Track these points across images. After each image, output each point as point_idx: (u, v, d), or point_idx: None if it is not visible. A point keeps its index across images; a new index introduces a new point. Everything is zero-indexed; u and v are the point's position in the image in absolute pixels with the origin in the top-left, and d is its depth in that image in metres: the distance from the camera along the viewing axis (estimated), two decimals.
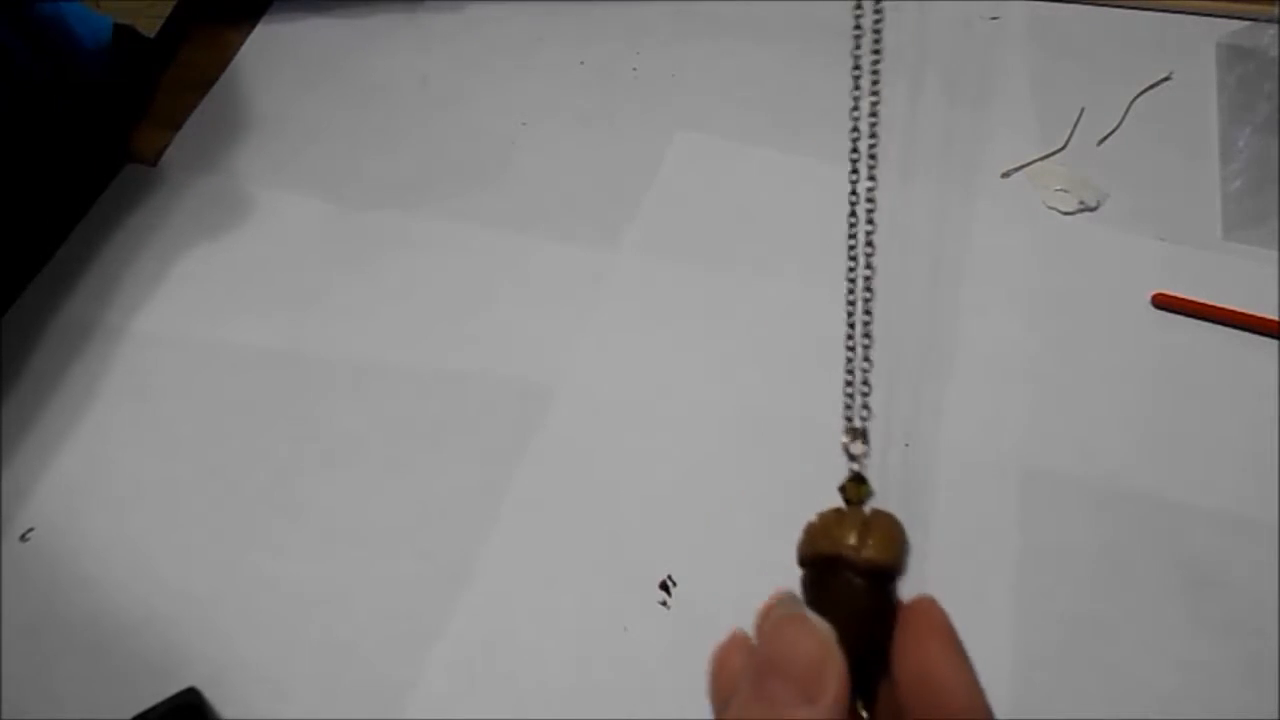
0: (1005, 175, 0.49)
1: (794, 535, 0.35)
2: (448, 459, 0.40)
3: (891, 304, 0.44)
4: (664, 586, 0.37)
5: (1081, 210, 0.47)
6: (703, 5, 0.56)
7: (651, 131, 0.50)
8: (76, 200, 0.48)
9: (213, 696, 0.34)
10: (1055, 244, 0.46)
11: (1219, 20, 0.55)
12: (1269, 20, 0.52)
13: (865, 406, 0.23)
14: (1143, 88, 0.52)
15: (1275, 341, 0.42)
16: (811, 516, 0.23)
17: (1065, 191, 0.48)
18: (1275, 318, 0.42)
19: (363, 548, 0.38)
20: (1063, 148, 0.50)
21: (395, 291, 0.45)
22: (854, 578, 0.21)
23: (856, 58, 0.19)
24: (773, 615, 0.20)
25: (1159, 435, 0.40)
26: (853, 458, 0.23)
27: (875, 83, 0.20)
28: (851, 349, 0.23)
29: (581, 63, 0.54)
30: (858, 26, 0.19)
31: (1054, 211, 0.47)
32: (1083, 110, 0.51)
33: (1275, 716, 0.33)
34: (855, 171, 0.21)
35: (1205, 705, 0.34)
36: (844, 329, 0.23)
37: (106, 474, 0.39)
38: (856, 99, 0.20)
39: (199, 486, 0.39)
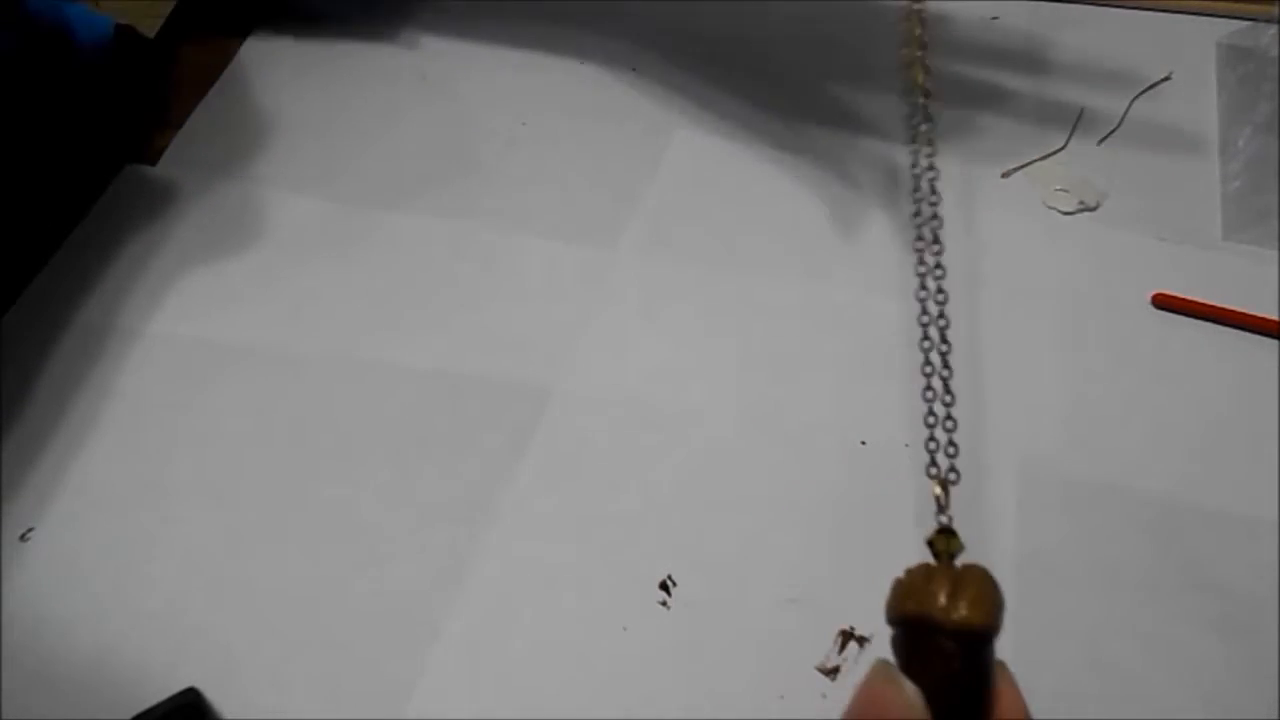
0: (1005, 175, 0.49)
1: (795, 535, 0.35)
2: (448, 459, 0.40)
3: (889, 303, 0.44)
4: (664, 586, 0.37)
5: (1081, 210, 0.47)
6: (704, 5, 0.56)
7: (651, 131, 0.50)
8: (76, 201, 0.48)
9: (213, 696, 0.34)
10: (1055, 244, 0.46)
11: (1219, 20, 0.55)
12: (1269, 20, 0.52)
13: (952, 443, 0.22)
14: (1143, 88, 0.52)
15: (1275, 341, 0.42)
16: (900, 573, 0.21)
17: (1065, 191, 0.48)
18: (1275, 318, 0.42)
19: (363, 548, 0.38)
20: (1063, 148, 0.50)
21: (396, 291, 0.45)
22: (945, 640, 0.20)
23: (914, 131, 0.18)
24: (866, 676, 0.20)
25: (1159, 435, 0.40)
26: (941, 509, 0.23)
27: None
28: (931, 400, 0.22)
29: (581, 63, 0.54)
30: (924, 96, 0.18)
31: (1054, 211, 0.47)
32: (1083, 110, 0.51)
33: (1275, 717, 0.33)
34: (920, 240, 0.21)
35: (1205, 705, 0.34)
36: (919, 379, 0.22)
37: (106, 474, 0.39)
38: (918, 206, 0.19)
39: (199, 486, 0.39)
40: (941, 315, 0.21)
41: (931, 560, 0.22)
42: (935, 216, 0.17)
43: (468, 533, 0.38)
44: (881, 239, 0.46)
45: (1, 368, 0.42)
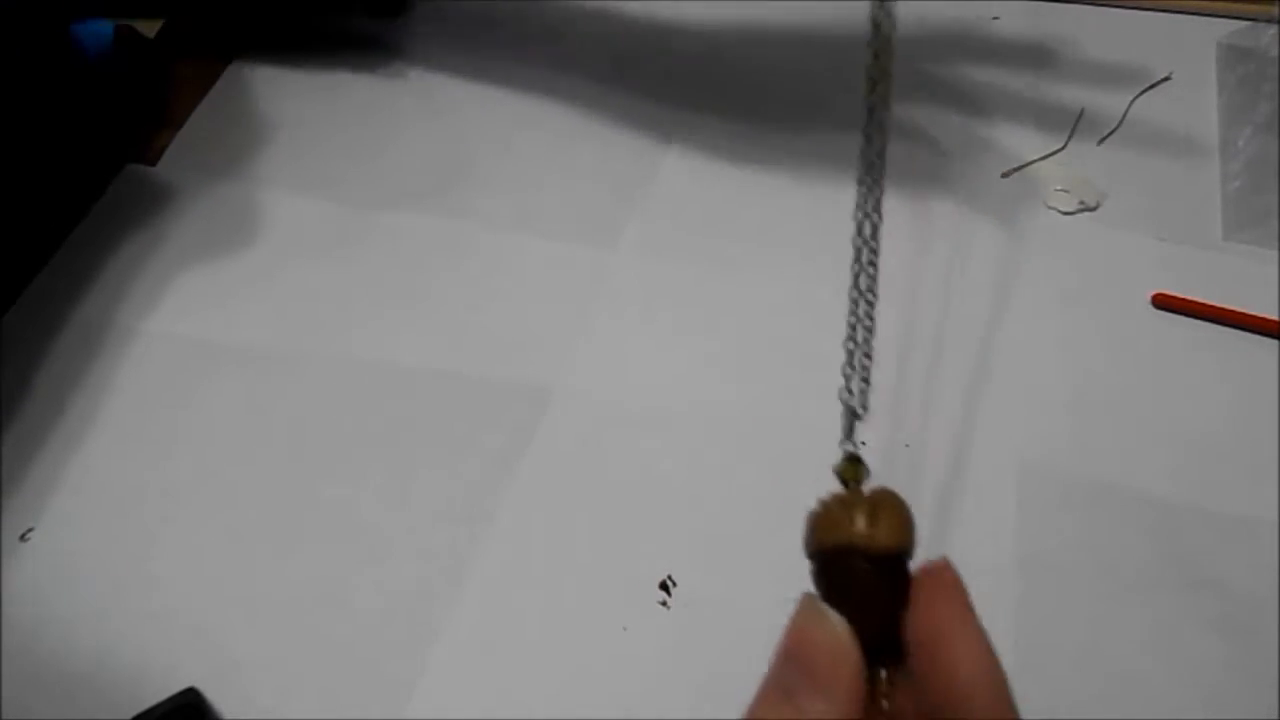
0: (1005, 175, 0.49)
1: (795, 535, 0.35)
2: (448, 459, 0.40)
3: (890, 304, 0.44)
4: (664, 586, 0.37)
5: (1081, 210, 0.47)
6: (703, 5, 0.56)
7: (651, 131, 0.50)
8: (76, 201, 0.48)
9: (213, 696, 0.34)
10: (1055, 244, 0.46)
11: (1219, 20, 0.55)
12: (1269, 20, 0.52)
13: (866, 368, 0.22)
14: (1143, 88, 0.52)
15: (1275, 341, 0.42)
16: (812, 504, 0.21)
17: (1065, 191, 0.48)
18: (1275, 318, 0.42)
19: (363, 548, 0.38)
20: (1063, 148, 0.50)
21: (395, 291, 0.45)
22: (864, 564, 0.20)
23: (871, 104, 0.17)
24: (794, 616, 0.20)
25: (1159, 435, 0.40)
26: (849, 436, 0.23)
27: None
28: (854, 324, 0.22)
29: (581, 63, 0.54)
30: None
31: (1054, 211, 0.47)
32: (1083, 110, 0.51)
33: (1275, 717, 0.33)
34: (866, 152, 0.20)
35: (1205, 705, 0.34)
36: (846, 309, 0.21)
37: (106, 474, 0.39)
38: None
39: (199, 486, 0.39)
40: (875, 234, 0.21)
41: (840, 489, 0.22)
42: (880, 120, 0.16)
43: (468, 533, 0.38)
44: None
45: (2, 367, 0.42)
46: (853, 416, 0.22)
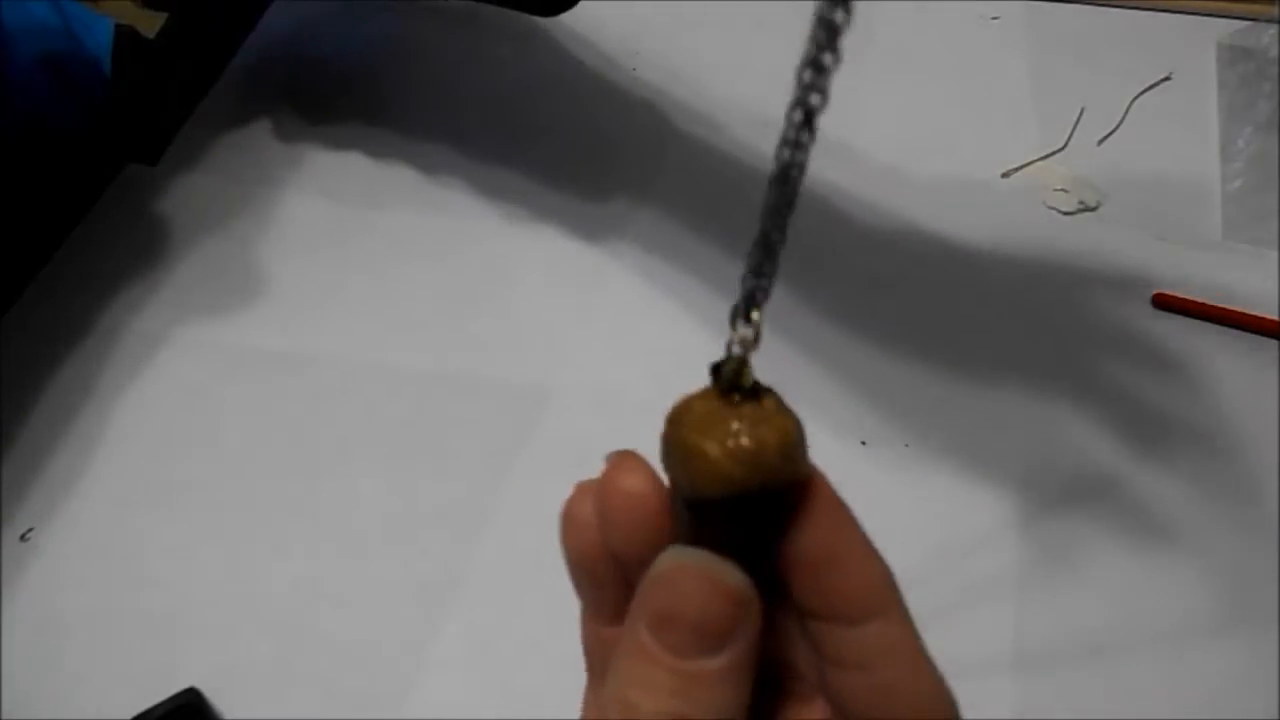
0: (1005, 175, 0.49)
1: None
2: (447, 459, 0.40)
3: (890, 304, 0.44)
4: None
5: (1081, 210, 0.47)
6: (703, 5, 0.56)
7: (652, 131, 0.50)
8: (77, 201, 0.48)
9: (213, 696, 0.34)
10: (1055, 244, 0.46)
11: (1219, 20, 0.55)
12: (1269, 20, 0.52)
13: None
14: (1143, 88, 0.52)
15: (1275, 341, 0.42)
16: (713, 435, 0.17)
17: (1065, 191, 0.48)
18: (1275, 318, 0.42)
19: (362, 548, 0.38)
20: (1063, 148, 0.50)
21: (394, 291, 0.45)
22: (760, 502, 0.17)
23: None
24: (667, 562, 0.18)
25: (1159, 435, 0.40)
26: (749, 316, 0.18)
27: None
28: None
29: (582, 62, 0.54)
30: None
31: (1054, 211, 0.47)
32: (1083, 110, 0.51)
33: (1275, 717, 0.33)
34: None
35: (1205, 705, 0.34)
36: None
37: (106, 474, 0.39)
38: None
39: (199, 486, 0.39)
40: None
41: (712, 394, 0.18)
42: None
43: (467, 533, 0.38)
44: (880, 240, 0.46)
45: (1, 366, 0.42)
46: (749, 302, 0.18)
